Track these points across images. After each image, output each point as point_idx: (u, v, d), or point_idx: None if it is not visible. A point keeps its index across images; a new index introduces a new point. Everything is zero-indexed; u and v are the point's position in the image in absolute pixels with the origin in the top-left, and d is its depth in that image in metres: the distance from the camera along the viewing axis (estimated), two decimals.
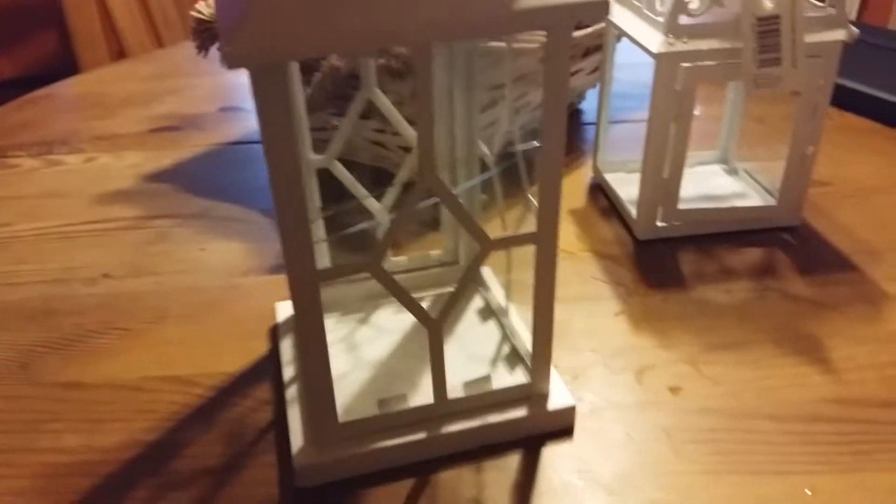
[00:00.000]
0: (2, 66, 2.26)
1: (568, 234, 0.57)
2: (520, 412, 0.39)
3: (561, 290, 0.50)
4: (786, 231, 0.56)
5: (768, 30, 0.46)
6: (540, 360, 0.39)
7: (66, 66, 1.43)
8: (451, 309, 0.36)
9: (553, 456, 0.38)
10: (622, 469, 0.37)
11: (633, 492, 0.36)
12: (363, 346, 0.44)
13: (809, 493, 0.35)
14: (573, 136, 0.74)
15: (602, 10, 0.30)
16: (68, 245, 0.59)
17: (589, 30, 0.65)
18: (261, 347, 0.46)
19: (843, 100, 0.77)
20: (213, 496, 0.36)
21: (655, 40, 0.47)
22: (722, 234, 0.55)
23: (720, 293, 0.49)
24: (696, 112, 0.50)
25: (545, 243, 0.36)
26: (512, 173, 0.40)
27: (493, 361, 0.43)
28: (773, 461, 0.37)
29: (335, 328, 0.46)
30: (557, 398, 0.39)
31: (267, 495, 0.36)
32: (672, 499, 0.35)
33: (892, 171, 0.65)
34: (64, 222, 0.62)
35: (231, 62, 0.26)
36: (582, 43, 0.68)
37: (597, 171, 0.64)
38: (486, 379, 0.39)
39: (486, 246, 0.35)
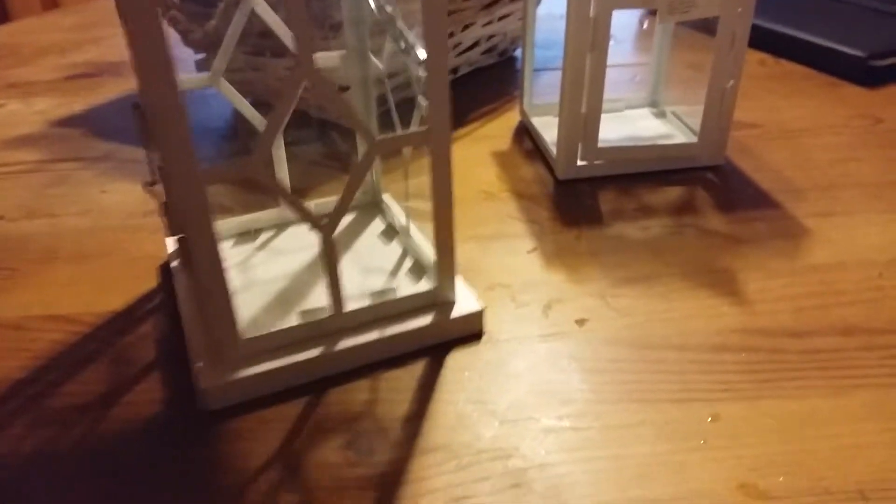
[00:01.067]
0: None
1: (489, 176, 0.55)
2: (424, 320, 0.38)
3: (475, 229, 0.48)
4: (709, 170, 0.55)
5: None
6: (443, 265, 0.38)
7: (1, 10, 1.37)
8: (342, 212, 0.34)
9: (451, 387, 0.36)
10: (519, 398, 0.35)
11: (526, 420, 0.34)
12: (260, 267, 0.43)
13: (710, 419, 0.34)
14: (506, 81, 0.72)
15: None
16: None
17: None
18: (151, 286, 0.44)
19: (779, 46, 0.76)
20: (96, 428, 0.34)
21: None
22: (644, 174, 0.54)
23: (636, 230, 0.48)
24: (612, 42, 0.48)
25: (438, 142, 0.34)
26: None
27: (395, 274, 0.42)
28: (675, 389, 0.36)
29: (231, 253, 0.44)
30: (463, 304, 0.38)
31: (158, 419, 0.34)
32: (567, 426, 0.34)
33: (821, 115, 0.64)
34: None
35: None
36: None
37: (523, 114, 0.63)
38: (391, 291, 0.38)
39: (374, 144, 0.33)
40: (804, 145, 0.58)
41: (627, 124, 0.61)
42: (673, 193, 0.52)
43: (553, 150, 0.55)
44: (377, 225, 0.47)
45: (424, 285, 0.40)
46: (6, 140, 0.63)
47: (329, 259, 0.35)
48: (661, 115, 0.62)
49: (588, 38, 0.48)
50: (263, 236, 0.46)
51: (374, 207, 0.49)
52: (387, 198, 0.48)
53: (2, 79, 0.76)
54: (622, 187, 0.53)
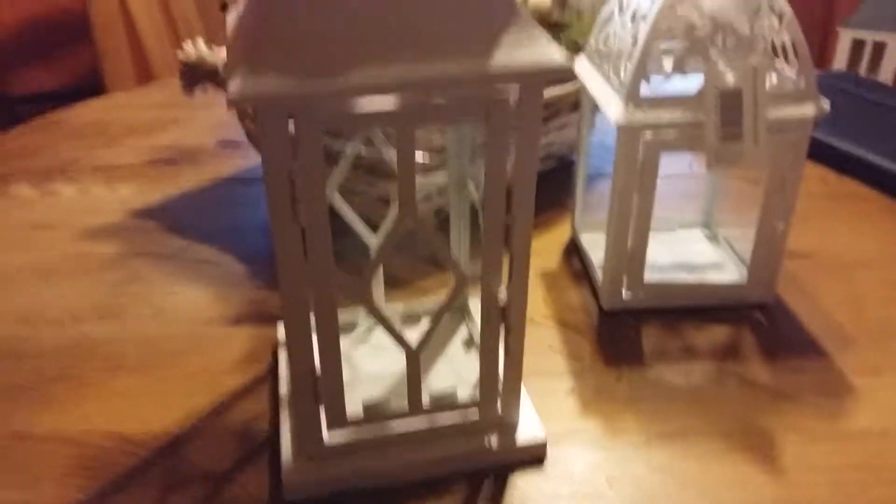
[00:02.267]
0: (41, 78, 2.34)
1: (535, 299, 0.56)
2: (490, 440, 0.41)
3: None
4: (758, 308, 0.54)
5: (731, 104, 0.44)
6: (509, 391, 0.40)
7: (99, 81, 1.47)
8: (429, 339, 0.38)
9: None
10: None
11: None
12: (356, 360, 0.47)
13: None
14: (563, 188, 0.73)
15: (567, 73, 0.32)
16: (45, 281, 0.60)
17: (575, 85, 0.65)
18: (204, 403, 0.46)
19: (842, 163, 0.75)
20: None
21: (616, 109, 0.46)
22: (690, 309, 0.54)
23: (677, 375, 0.48)
24: (659, 181, 0.49)
25: (517, 295, 0.38)
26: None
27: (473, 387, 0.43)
28: None
29: None
30: (527, 430, 0.42)
31: None
32: None
33: (879, 246, 0.62)
34: (46, 256, 0.63)
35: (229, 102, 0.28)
36: (571, 96, 0.67)
37: (574, 231, 0.63)
38: (452, 393, 0.41)
39: (461, 280, 0.37)
40: (859, 281, 0.57)
41: (678, 247, 0.61)
42: (718, 333, 0.52)
43: (600, 274, 0.55)
44: (463, 331, 0.50)
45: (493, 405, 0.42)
46: (89, 229, 0.67)
47: (412, 380, 0.38)
48: (713, 238, 0.62)
49: (636, 180, 0.48)
50: (360, 328, 0.50)
51: (460, 311, 0.51)
52: (473, 304, 0.50)
53: (90, 160, 0.82)
54: (667, 322, 0.53)
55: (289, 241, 0.33)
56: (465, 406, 0.40)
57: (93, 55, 1.44)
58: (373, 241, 0.47)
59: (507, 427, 0.41)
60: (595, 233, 0.62)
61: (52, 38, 2.25)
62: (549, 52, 0.31)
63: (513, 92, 0.33)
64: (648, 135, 0.47)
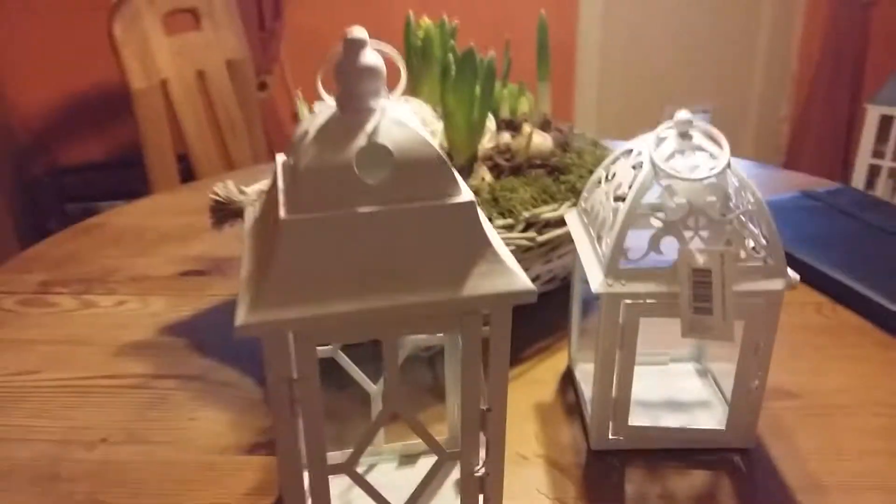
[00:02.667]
0: (90, 149, 2.47)
1: (528, 434, 0.60)
2: None
3: (506, 501, 0.53)
4: (738, 452, 0.57)
5: (702, 281, 0.49)
6: None
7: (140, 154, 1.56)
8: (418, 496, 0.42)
9: None
10: None
11: None
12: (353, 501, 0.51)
13: None
14: (564, 311, 0.77)
15: (531, 296, 0.37)
16: (81, 401, 0.65)
17: None
18: None
19: (839, 294, 0.78)
20: None
21: (597, 279, 0.51)
22: (674, 451, 0.57)
23: None
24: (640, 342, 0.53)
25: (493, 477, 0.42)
26: None
27: None
28: None
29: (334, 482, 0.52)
30: None
31: None
32: None
33: (866, 387, 0.65)
34: (82, 374, 0.69)
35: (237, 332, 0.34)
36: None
37: (571, 360, 0.67)
38: None
39: (442, 458, 0.41)
40: (840, 427, 0.60)
41: (667, 383, 0.64)
42: (697, 479, 0.55)
43: (590, 410, 0.59)
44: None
45: None
46: (121, 345, 0.73)
47: None
48: (703, 373, 0.66)
49: (618, 339, 0.52)
50: (361, 468, 0.53)
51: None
52: None
53: (127, 269, 0.89)
54: (650, 464, 0.56)
55: (287, 432, 0.38)
56: None
57: (134, 127, 1.54)
58: (373, 388, 0.52)
59: None
60: (590, 363, 0.66)
61: (95, 112, 2.38)
62: (514, 280, 0.36)
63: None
64: (629, 301, 0.51)
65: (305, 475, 0.40)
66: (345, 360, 0.51)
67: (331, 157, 0.36)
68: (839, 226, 0.89)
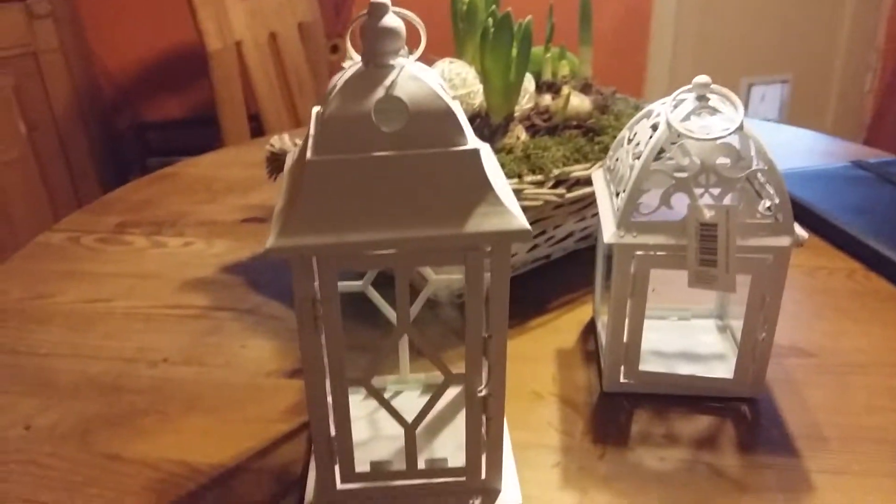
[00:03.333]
0: (171, 107, 2.59)
1: (545, 376, 0.64)
2: (474, 502, 0.50)
3: (514, 433, 0.57)
4: (746, 402, 0.60)
5: (708, 235, 0.51)
6: (492, 464, 0.49)
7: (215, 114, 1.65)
8: (422, 418, 0.47)
9: None
10: None
11: None
12: (381, 424, 0.57)
13: None
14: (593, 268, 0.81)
15: (527, 235, 0.41)
16: (147, 326, 0.73)
17: None
18: (255, 446, 0.57)
19: (873, 261, 0.79)
20: None
21: (609, 231, 0.54)
22: (683, 397, 0.60)
23: (654, 459, 0.55)
24: (652, 289, 0.56)
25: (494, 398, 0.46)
26: None
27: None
28: None
29: (360, 406, 0.58)
30: (507, 496, 0.50)
31: None
32: None
33: (886, 349, 0.66)
34: (150, 304, 0.77)
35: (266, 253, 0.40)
36: None
37: (594, 311, 0.71)
38: (444, 460, 0.49)
39: (448, 378, 0.46)
40: (851, 386, 0.62)
41: (686, 337, 0.67)
42: (702, 423, 0.58)
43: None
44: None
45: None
46: (185, 281, 0.81)
47: (410, 452, 0.47)
48: (723, 329, 0.68)
49: (629, 288, 0.56)
50: (388, 392, 0.60)
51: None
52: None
53: (195, 214, 0.96)
54: (658, 408, 0.60)
55: (311, 346, 0.43)
56: (454, 472, 0.49)
57: (210, 87, 1.63)
58: None
59: (490, 492, 0.50)
60: None
61: (176, 71, 2.50)
62: (511, 220, 0.40)
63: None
64: (640, 252, 0.54)
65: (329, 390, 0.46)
66: (374, 295, 0.56)
67: (353, 106, 0.40)
68: (885, 196, 0.88)
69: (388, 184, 0.40)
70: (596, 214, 0.79)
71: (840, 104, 2.84)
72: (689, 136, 0.52)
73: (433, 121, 0.40)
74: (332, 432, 0.47)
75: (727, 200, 0.53)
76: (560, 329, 0.71)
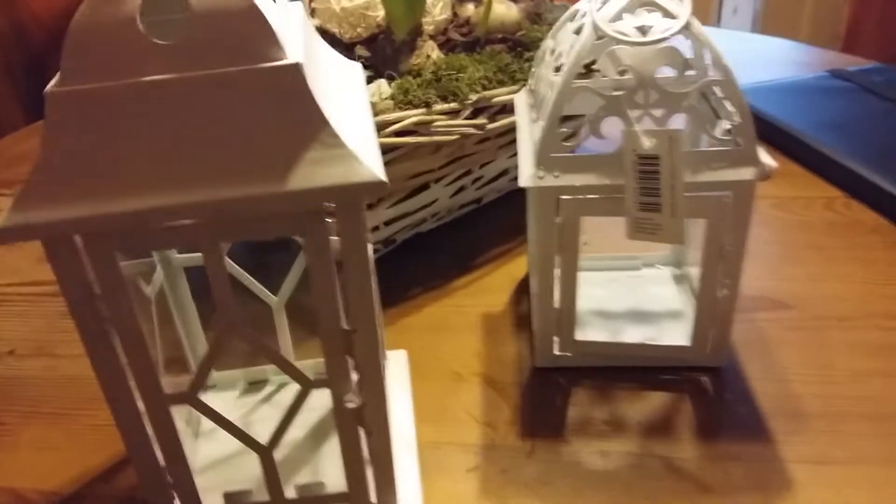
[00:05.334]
0: None
1: (468, 350, 0.53)
2: None
3: (424, 425, 0.46)
4: (707, 372, 0.49)
5: (649, 170, 0.40)
6: (382, 484, 0.38)
7: None
8: (280, 437, 0.35)
9: None
10: None
11: None
12: (259, 424, 0.46)
13: None
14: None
15: (381, 188, 0.29)
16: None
17: None
18: (99, 464, 0.46)
19: (853, 186, 0.67)
20: None
21: (525, 171, 0.42)
22: (631, 369, 0.50)
23: (595, 454, 0.44)
24: (584, 242, 0.45)
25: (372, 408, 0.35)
26: None
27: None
28: None
29: (235, 405, 0.48)
30: None
31: None
32: None
33: (871, 296, 0.55)
34: (5, 281, 0.64)
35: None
36: None
37: (530, 266, 0.59)
38: (320, 485, 0.38)
39: (307, 386, 0.34)
40: (832, 344, 0.51)
41: (635, 291, 0.56)
42: (654, 402, 0.47)
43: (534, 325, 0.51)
44: None
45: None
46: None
47: (270, 478, 0.36)
48: (680, 279, 0.57)
49: (554, 242, 0.44)
50: (268, 389, 0.49)
51: None
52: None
53: None
54: (601, 385, 0.49)
55: (103, 360, 0.31)
56: (335, 498, 0.38)
57: None
58: (273, 299, 0.46)
59: None
60: None
61: None
62: (356, 168, 0.28)
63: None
64: (566, 196, 0.42)
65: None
66: (233, 267, 0.44)
67: (109, 9, 0.27)
68: (866, 109, 0.76)
69: (173, 122, 0.28)
70: None
71: (815, 13, 2.70)
72: (620, 39, 0.39)
73: (231, 26, 0.27)
74: (161, 462, 0.35)
75: (674, 124, 0.40)
76: (489, 289, 0.59)
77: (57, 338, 0.57)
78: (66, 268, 0.29)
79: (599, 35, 0.40)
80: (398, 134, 0.52)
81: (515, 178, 0.69)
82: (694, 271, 0.56)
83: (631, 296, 0.55)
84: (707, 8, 2.52)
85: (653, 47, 0.39)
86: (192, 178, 0.28)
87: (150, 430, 0.34)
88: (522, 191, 0.71)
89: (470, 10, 0.65)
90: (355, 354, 0.33)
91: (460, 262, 0.62)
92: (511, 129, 0.60)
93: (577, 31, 0.42)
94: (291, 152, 0.28)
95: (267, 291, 0.46)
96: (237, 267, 0.44)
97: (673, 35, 0.39)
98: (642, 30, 0.40)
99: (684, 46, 0.40)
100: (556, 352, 0.49)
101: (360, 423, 0.36)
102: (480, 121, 0.56)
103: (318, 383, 0.34)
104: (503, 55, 0.60)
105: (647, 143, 0.39)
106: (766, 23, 2.75)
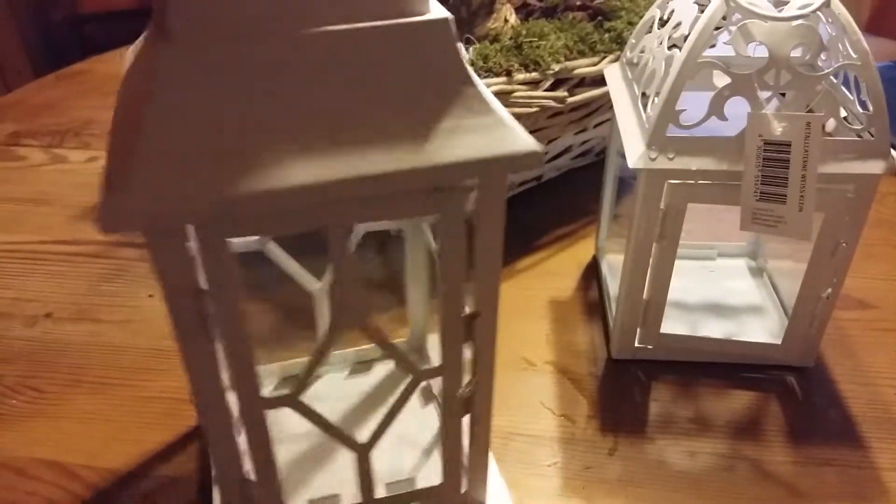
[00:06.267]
0: None
1: (537, 335, 0.50)
2: None
3: (498, 416, 0.44)
4: (793, 371, 0.47)
5: (776, 158, 0.37)
6: (476, 476, 0.36)
7: None
8: (381, 434, 0.32)
9: None
10: None
11: None
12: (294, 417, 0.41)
13: None
14: (597, 188, 0.66)
15: (535, 159, 0.25)
16: (31, 268, 0.57)
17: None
18: (154, 441, 0.43)
19: None
20: None
21: (636, 151, 0.39)
22: (712, 365, 0.47)
23: (681, 454, 0.42)
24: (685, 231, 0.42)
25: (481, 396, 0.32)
26: None
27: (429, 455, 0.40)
28: None
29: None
30: None
31: None
32: None
33: None
34: (37, 238, 0.61)
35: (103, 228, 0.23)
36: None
37: (598, 250, 0.57)
38: (410, 482, 0.37)
39: (417, 377, 0.31)
40: None
41: (713, 283, 0.53)
42: (740, 401, 0.45)
43: (614, 313, 0.49)
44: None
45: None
46: (86, 207, 0.64)
47: (364, 478, 0.33)
48: (757, 272, 0.54)
49: (656, 228, 0.41)
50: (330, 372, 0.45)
51: (417, 354, 0.46)
52: (432, 341, 0.44)
53: (104, 122, 0.78)
54: (683, 380, 0.46)
55: (200, 361, 0.27)
56: (425, 493, 0.35)
57: None
58: (315, 286, 0.42)
59: None
60: (621, 255, 0.55)
61: None
62: (510, 137, 0.25)
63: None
64: (675, 180, 0.39)
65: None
66: (277, 253, 0.40)
67: None
68: None
69: (309, 86, 0.24)
70: (599, 125, 0.63)
71: None
72: (756, 13, 0.36)
73: None
74: (251, 475, 0.32)
75: (799, 108, 0.37)
76: (554, 272, 0.56)
77: (99, 302, 0.53)
78: (172, 261, 0.25)
79: (731, 6, 0.37)
80: None
81: (577, 156, 0.67)
82: (773, 265, 0.54)
83: (707, 287, 0.53)
84: None
85: (788, 24, 0.36)
86: (328, 154, 0.24)
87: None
88: (582, 169, 0.68)
89: None
90: (475, 340, 0.31)
91: (523, 243, 0.59)
92: (584, 104, 0.57)
93: (699, 3, 0.39)
94: (439, 119, 0.25)
95: (310, 276, 0.42)
96: (280, 250, 0.41)
97: (812, 12, 0.36)
98: (779, 4, 0.36)
99: (819, 23, 0.37)
100: (637, 344, 0.47)
101: (469, 411, 0.33)
102: (561, 93, 0.53)
103: (429, 373, 0.31)
104: (584, 24, 0.56)
105: (777, 129, 0.36)
106: None
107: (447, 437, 0.33)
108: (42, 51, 2.12)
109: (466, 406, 0.33)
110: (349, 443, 0.32)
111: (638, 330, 0.46)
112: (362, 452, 0.32)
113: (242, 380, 0.28)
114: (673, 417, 0.44)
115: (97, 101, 0.84)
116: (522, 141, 0.25)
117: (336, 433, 0.31)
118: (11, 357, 0.49)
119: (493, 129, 0.25)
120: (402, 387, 0.31)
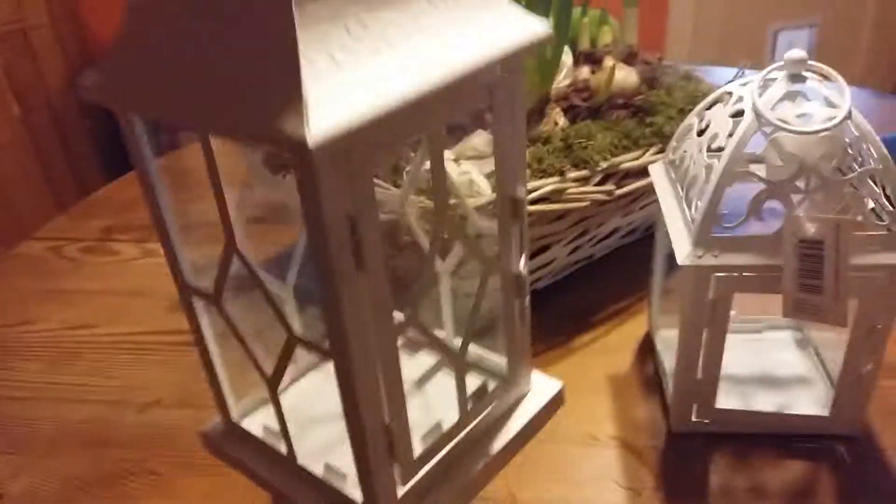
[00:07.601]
0: None
1: (600, 410, 0.54)
2: None
3: (568, 489, 0.48)
4: (842, 441, 0.50)
5: (811, 254, 0.41)
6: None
7: None
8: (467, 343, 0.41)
9: None
10: None
11: None
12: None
13: None
14: (648, 262, 0.70)
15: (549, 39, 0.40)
16: (136, 358, 0.64)
17: None
18: None
19: None
20: None
21: (684, 250, 0.44)
22: (766, 436, 0.51)
23: None
24: (733, 314, 0.46)
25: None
26: None
27: None
28: None
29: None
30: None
31: None
32: None
33: None
34: (139, 329, 0.67)
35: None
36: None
37: (651, 325, 0.61)
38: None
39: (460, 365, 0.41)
40: None
41: (760, 355, 0.57)
42: (794, 470, 0.48)
43: (671, 385, 0.53)
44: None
45: None
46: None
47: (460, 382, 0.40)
48: (803, 344, 0.58)
49: (706, 316, 0.46)
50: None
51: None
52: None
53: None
54: (739, 451, 0.50)
55: (353, 295, 0.32)
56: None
57: None
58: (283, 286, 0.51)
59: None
60: (673, 329, 0.59)
61: None
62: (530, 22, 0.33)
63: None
64: (721, 273, 0.44)
65: None
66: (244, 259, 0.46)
67: None
68: None
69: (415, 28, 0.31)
70: (644, 207, 0.68)
71: (871, 49, 2.67)
72: (785, 128, 0.41)
73: None
74: (386, 418, 0.37)
75: (827, 207, 0.42)
76: (611, 348, 0.61)
77: (202, 388, 0.59)
78: (334, 184, 0.29)
79: (762, 121, 0.42)
80: (532, 202, 0.55)
81: (626, 235, 0.72)
82: (818, 336, 0.57)
83: (756, 360, 0.57)
84: (761, 43, 2.52)
85: (815, 136, 0.41)
86: (418, 62, 0.30)
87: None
88: (632, 245, 0.73)
89: (585, 73, 0.67)
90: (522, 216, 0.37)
91: (580, 320, 0.64)
92: (629, 193, 0.62)
93: (734, 115, 0.44)
94: (479, 20, 0.32)
95: (275, 280, 0.49)
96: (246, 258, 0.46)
97: (835, 126, 0.41)
98: (805, 118, 0.41)
99: (844, 133, 0.42)
100: (694, 418, 0.51)
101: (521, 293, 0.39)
102: (609, 187, 0.58)
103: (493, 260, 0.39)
104: (626, 122, 0.62)
105: (810, 230, 0.40)
106: (820, 58, 2.75)
107: (507, 321, 0.41)
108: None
109: (519, 285, 0.39)
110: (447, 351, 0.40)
111: (694, 406, 0.50)
112: (458, 359, 0.40)
113: (380, 312, 0.33)
114: (731, 488, 0.48)
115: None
116: (537, 25, 0.33)
117: (438, 343, 0.40)
118: (129, 442, 0.55)
119: (518, 18, 0.33)
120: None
